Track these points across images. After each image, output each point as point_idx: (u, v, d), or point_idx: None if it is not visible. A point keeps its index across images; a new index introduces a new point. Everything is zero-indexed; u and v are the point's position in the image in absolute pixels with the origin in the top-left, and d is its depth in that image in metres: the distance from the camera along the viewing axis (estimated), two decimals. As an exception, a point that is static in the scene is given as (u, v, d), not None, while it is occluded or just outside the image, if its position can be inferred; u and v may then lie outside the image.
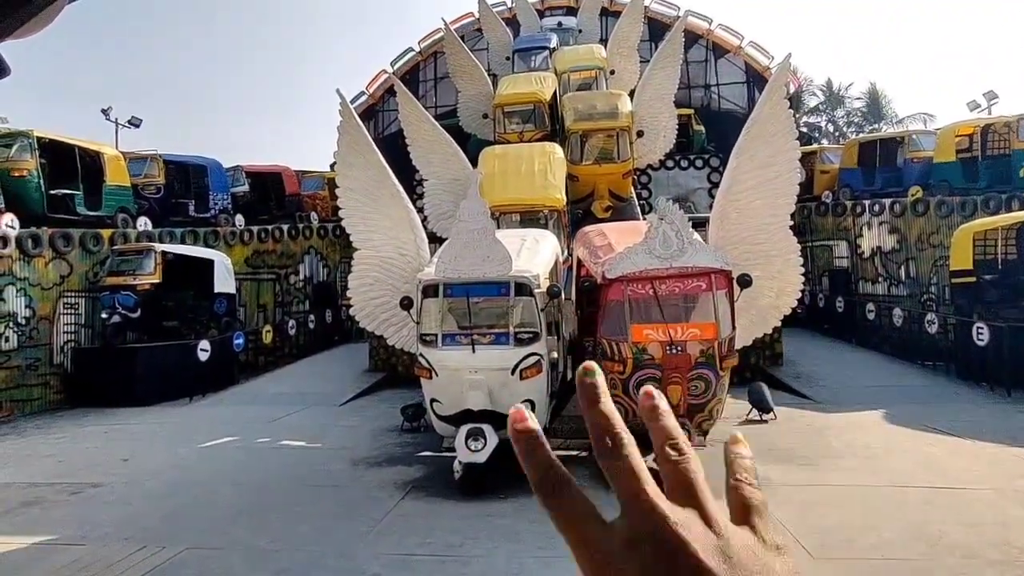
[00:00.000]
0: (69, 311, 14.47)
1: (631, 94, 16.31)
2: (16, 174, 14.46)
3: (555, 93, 17.30)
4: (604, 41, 21.32)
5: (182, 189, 19.11)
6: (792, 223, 8.61)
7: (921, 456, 8.27)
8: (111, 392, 13.49)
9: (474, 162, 13.71)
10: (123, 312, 14.14)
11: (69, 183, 15.37)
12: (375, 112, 25.52)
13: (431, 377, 7.64)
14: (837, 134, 39.14)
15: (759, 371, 13.61)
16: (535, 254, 8.54)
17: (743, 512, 0.48)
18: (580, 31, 23.01)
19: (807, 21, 68.81)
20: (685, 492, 0.48)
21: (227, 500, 7.39)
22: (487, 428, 7.29)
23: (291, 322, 18.36)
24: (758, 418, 10.60)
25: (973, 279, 13.88)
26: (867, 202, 19.01)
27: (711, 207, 10.35)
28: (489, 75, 19.98)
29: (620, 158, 14.77)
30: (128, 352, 14.12)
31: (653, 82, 15.79)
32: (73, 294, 14.58)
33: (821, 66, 78.24)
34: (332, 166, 17.63)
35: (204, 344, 14.06)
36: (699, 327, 7.25)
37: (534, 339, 7.53)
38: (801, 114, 35.41)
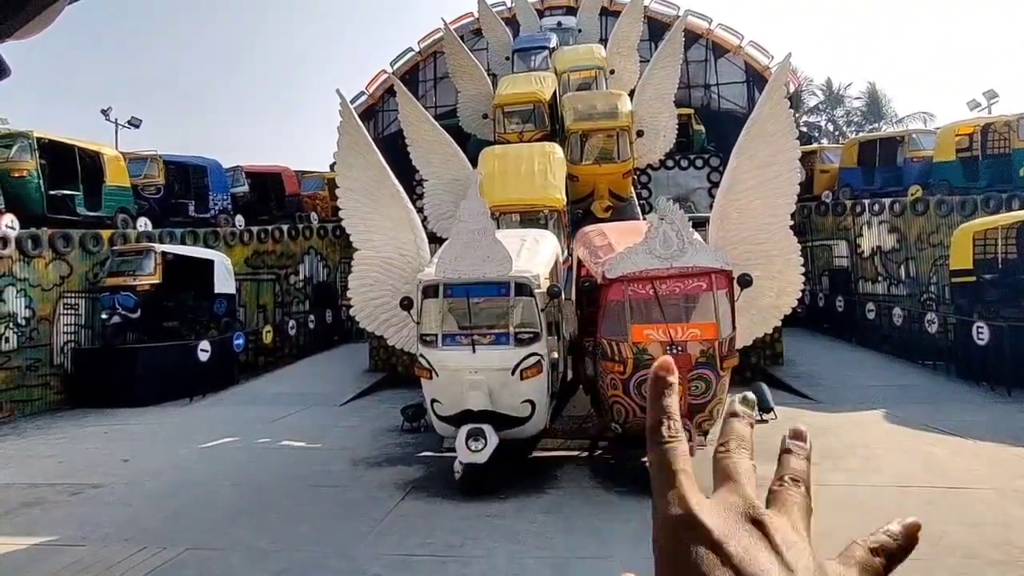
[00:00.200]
0: (69, 312, 14.47)
1: (631, 94, 16.31)
2: (16, 175, 14.46)
3: (555, 93, 17.30)
4: (604, 41, 21.31)
5: (182, 189, 19.11)
6: (792, 223, 8.60)
7: (922, 456, 8.27)
8: (111, 393, 13.49)
9: (474, 162, 13.70)
10: (123, 313, 14.14)
11: (69, 184, 15.36)
12: (375, 112, 25.51)
13: (431, 377, 7.63)
14: (837, 133, 39.13)
15: (759, 371, 13.62)
16: (535, 254, 8.54)
17: (780, 507, 0.51)
18: (580, 31, 23.00)
19: (806, 21, 68.84)
20: (725, 480, 0.53)
21: (227, 500, 7.39)
22: (487, 428, 7.28)
23: (291, 322, 18.36)
24: (758, 418, 10.55)
25: (973, 278, 13.88)
26: (867, 201, 19.01)
27: (711, 207, 10.35)
28: (489, 75, 19.97)
29: (620, 158, 14.76)
30: (128, 352, 14.12)
31: (653, 82, 15.79)
32: (73, 295, 14.58)
33: (821, 66, 78.30)
34: (332, 166, 17.63)
35: (204, 344, 14.05)
36: (699, 327, 7.24)
37: (534, 339, 7.53)
38: (801, 113, 35.41)
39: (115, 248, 15.15)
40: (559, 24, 23.24)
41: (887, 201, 18.47)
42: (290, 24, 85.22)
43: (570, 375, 9.33)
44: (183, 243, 16.81)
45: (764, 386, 11.13)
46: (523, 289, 7.60)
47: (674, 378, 0.53)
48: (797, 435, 0.54)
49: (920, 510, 6.34)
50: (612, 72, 18.77)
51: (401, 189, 9.52)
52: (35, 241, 13.86)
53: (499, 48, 21.76)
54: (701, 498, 0.49)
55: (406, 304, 7.89)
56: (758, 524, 0.47)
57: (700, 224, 9.20)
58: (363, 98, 25.11)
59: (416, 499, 7.27)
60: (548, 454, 8.93)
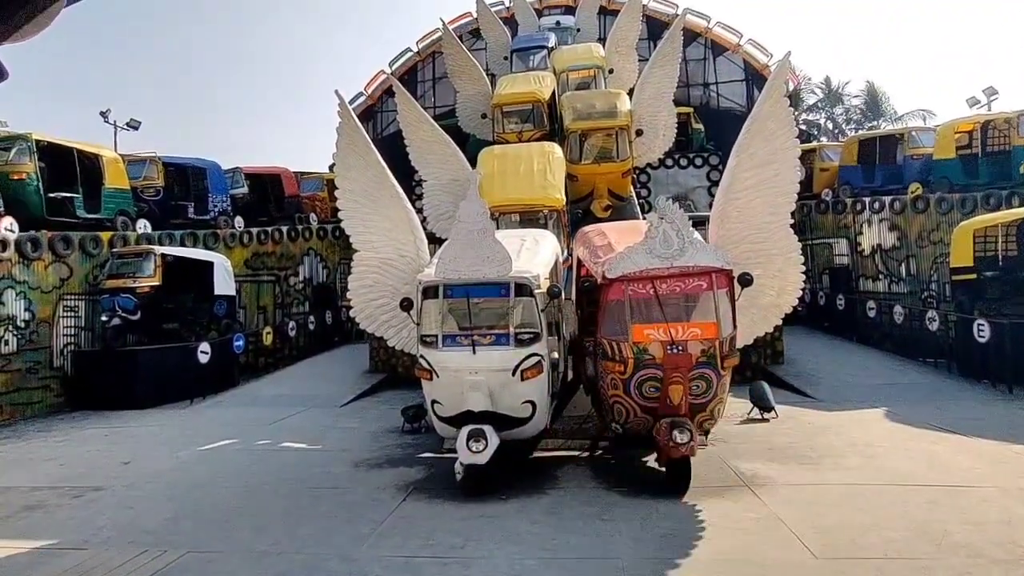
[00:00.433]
0: (69, 314, 14.47)
1: (630, 93, 16.30)
2: (15, 177, 14.45)
3: (554, 92, 17.29)
4: (602, 40, 21.32)
5: (181, 191, 19.10)
6: (792, 221, 8.59)
7: (923, 454, 8.26)
8: (111, 395, 13.48)
9: (473, 162, 13.69)
10: (123, 315, 14.13)
11: (68, 186, 15.35)
12: (374, 113, 25.52)
13: (431, 378, 7.62)
14: (836, 131, 39.11)
15: (760, 370, 13.61)
16: (535, 254, 8.52)
17: None
18: (578, 30, 23.00)
19: (805, 19, 68.81)
20: None
21: (228, 503, 7.38)
22: (488, 429, 7.26)
23: (291, 324, 18.35)
24: (759, 417, 10.59)
25: (974, 276, 13.87)
26: (867, 199, 19.01)
27: (711, 206, 10.33)
28: (487, 75, 19.97)
29: (619, 157, 14.75)
30: (128, 355, 14.11)
31: (652, 80, 15.78)
32: (73, 297, 14.57)
33: (819, 64, 78.30)
34: (331, 167, 17.66)
35: (204, 346, 14.05)
36: (700, 326, 7.22)
37: (534, 340, 7.51)
38: (800, 112, 35.39)
39: (115, 250, 15.14)
40: (557, 23, 23.24)
41: (887, 199, 18.47)
42: (288, 25, 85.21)
43: (570, 375, 9.32)
44: (183, 245, 16.81)
45: (765, 385, 11.13)
46: (523, 289, 7.59)
47: None
48: None
49: (923, 509, 6.33)
50: (611, 71, 18.77)
51: (400, 190, 9.51)
52: (35, 244, 13.86)
53: (498, 48, 21.76)
54: None
55: (406, 305, 7.87)
56: None
57: (700, 223, 9.19)
58: (362, 99, 25.14)
59: (417, 500, 7.26)
60: (549, 454, 8.92)
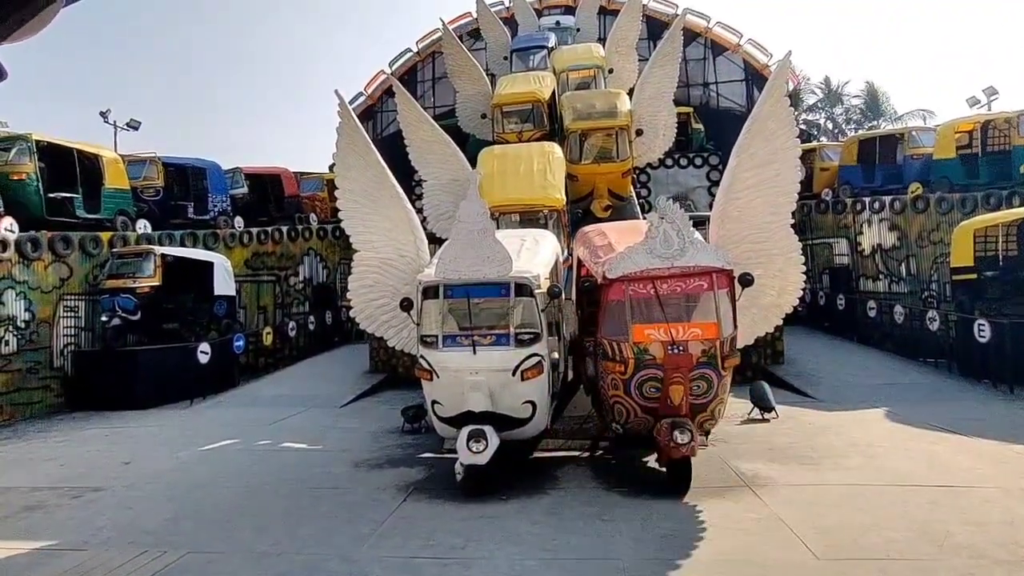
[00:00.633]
0: (69, 314, 14.46)
1: (630, 93, 16.30)
2: (15, 177, 14.45)
3: (554, 92, 17.28)
4: (602, 40, 21.31)
5: (181, 191, 19.10)
6: (793, 221, 8.58)
7: (924, 454, 8.25)
8: (111, 395, 13.47)
9: (473, 162, 13.68)
10: (123, 315, 14.12)
11: (68, 186, 15.35)
12: (374, 113, 25.52)
13: (432, 379, 7.61)
14: (836, 131, 39.11)
15: (760, 370, 13.60)
16: (535, 254, 8.51)
17: None
18: (578, 30, 23.00)
19: (805, 19, 68.80)
20: None
21: (228, 503, 7.37)
22: (488, 429, 7.25)
23: (291, 324, 18.34)
24: (760, 417, 10.58)
25: (974, 276, 13.86)
26: (867, 199, 19.01)
27: (711, 205, 10.33)
28: (487, 75, 19.96)
29: (619, 157, 14.74)
30: (128, 355, 14.10)
31: (652, 80, 15.77)
32: (73, 297, 14.57)
33: (819, 64, 78.28)
34: (331, 167, 17.64)
35: (204, 346, 14.04)
36: (701, 327, 7.21)
37: (535, 340, 7.50)
38: (800, 112, 35.40)
39: (115, 250, 15.13)
40: (557, 23, 23.23)
41: (887, 199, 18.46)
42: (289, 25, 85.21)
43: (570, 375, 9.31)
44: (183, 245, 16.81)
45: (765, 385, 11.12)
46: (523, 289, 7.58)
47: None
48: None
49: (924, 509, 6.32)
50: (611, 71, 18.76)
51: (400, 190, 9.50)
52: (34, 244, 13.85)
53: (497, 48, 21.75)
54: None
55: (406, 305, 7.86)
56: None
57: (700, 223, 9.18)
58: (362, 99, 25.14)
59: (417, 501, 7.25)
60: (549, 455, 8.91)
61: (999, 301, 13.22)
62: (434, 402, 7.79)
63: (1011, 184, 16.63)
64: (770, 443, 9.07)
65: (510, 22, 23.63)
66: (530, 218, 12.20)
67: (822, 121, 40.72)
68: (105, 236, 15.31)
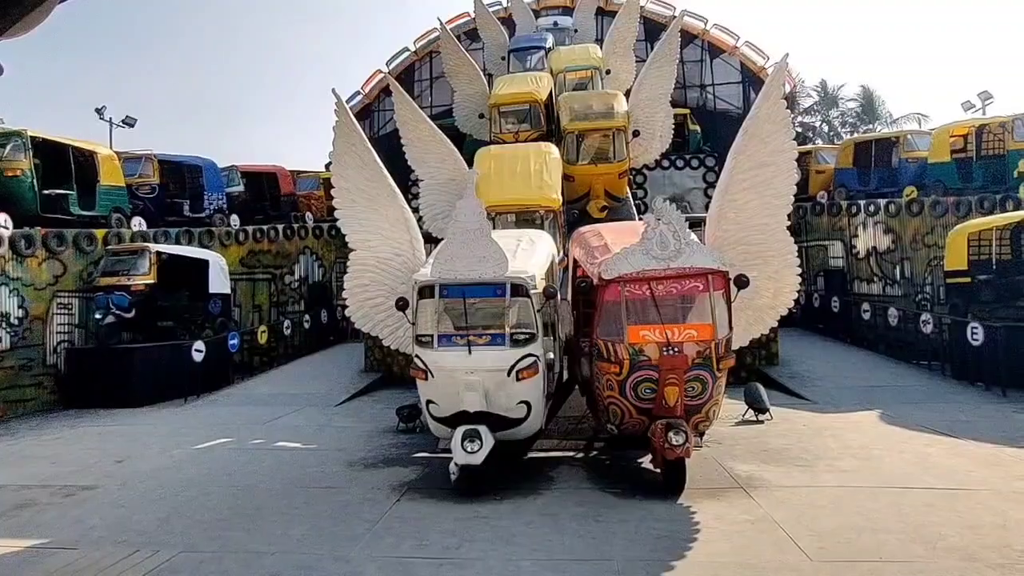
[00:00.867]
0: (63, 311, 14.40)
1: (627, 94, 16.32)
2: (9, 174, 14.40)
3: (551, 93, 17.30)
4: (600, 41, 21.34)
5: (177, 189, 19.05)
6: (788, 223, 8.60)
7: (918, 457, 8.27)
8: (105, 393, 13.42)
9: (470, 162, 13.68)
10: (117, 312, 14.06)
11: (63, 183, 15.30)
12: (371, 112, 25.50)
13: (427, 378, 7.60)
14: (832, 134, 39.25)
15: (755, 371, 13.63)
16: (531, 255, 8.51)
17: None
18: (576, 31, 23.02)
19: (801, 22, 69.01)
20: None
21: (221, 502, 7.34)
22: (483, 429, 7.25)
23: (286, 322, 18.31)
24: (754, 419, 10.60)
25: (968, 279, 13.91)
26: (862, 202, 19.07)
27: (707, 207, 10.34)
28: (485, 75, 19.96)
29: (616, 158, 14.76)
30: (122, 353, 14.05)
31: (649, 82, 15.79)
32: (67, 294, 14.51)
33: (816, 67, 78.50)
34: (327, 166, 17.57)
35: (199, 345, 13.99)
36: (696, 328, 7.21)
37: (530, 340, 7.50)
38: (796, 114, 35.51)
39: (109, 248, 15.08)
40: (555, 24, 23.26)
41: (882, 202, 18.54)
42: (286, 23, 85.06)
43: (566, 376, 9.31)
44: (178, 243, 16.75)
45: (760, 387, 11.14)
46: (519, 290, 7.58)
47: None
48: None
49: (917, 512, 6.34)
50: (608, 72, 18.79)
51: (397, 189, 9.49)
52: (28, 240, 13.79)
53: (495, 48, 21.77)
54: None
55: (402, 305, 7.85)
56: None
57: (696, 224, 9.19)
58: (359, 98, 25.12)
59: (412, 500, 7.24)
60: (544, 455, 8.91)
61: (992, 304, 13.28)
62: (429, 402, 7.78)
63: (1005, 188, 16.72)
64: (764, 445, 9.08)
65: (508, 22, 23.65)
66: (526, 218, 12.21)
67: (818, 124, 40.86)
68: (100, 233, 15.26)
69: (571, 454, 9.09)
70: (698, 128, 22.02)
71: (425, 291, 7.71)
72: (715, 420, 7.87)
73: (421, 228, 10.11)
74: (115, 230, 15.74)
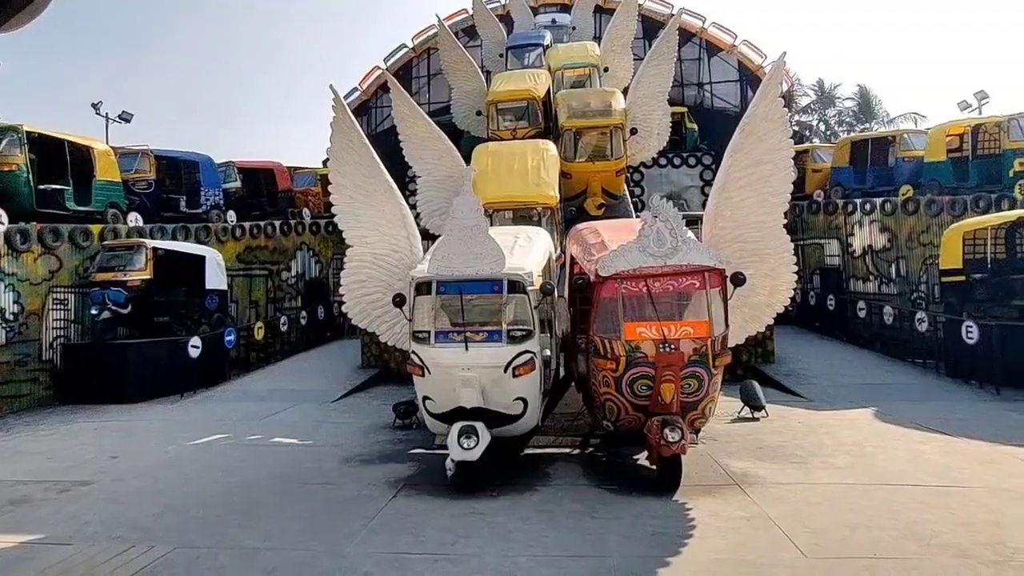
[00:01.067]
0: (58, 307, 14.36)
1: (625, 92, 16.32)
2: (5, 169, 14.34)
3: (549, 90, 17.29)
4: (598, 38, 21.34)
5: (173, 185, 19.00)
6: (785, 221, 8.61)
7: (912, 454, 8.31)
8: (101, 389, 13.39)
9: (467, 159, 13.67)
10: (113, 308, 14.03)
11: (58, 178, 15.23)
12: (368, 108, 25.46)
13: (423, 374, 7.60)
14: (828, 133, 39.32)
15: (751, 369, 13.67)
16: (528, 251, 8.52)
17: None
18: (574, 28, 23.02)
19: (799, 21, 69.05)
20: None
21: (217, 498, 7.34)
22: (479, 426, 7.26)
23: (283, 318, 18.28)
24: (750, 416, 10.63)
25: (963, 278, 13.97)
26: (858, 201, 19.13)
27: (704, 205, 10.36)
28: (483, 72, 19.94)
29: (613, 156, 14.77)
30: (118, 348, 14.02)
31: (647, 80, 15.81)
32: (62, 290, 14.47)
33: (813, 66, 78.58)
34: (325, 162, 17.58)
35: (195, 341, 13.97)
36: (692, 325, 7.23)
37: (527, 337, 7.51)
38: (793, 113, 35.57)
39: (105, 243, 15.04)
40: (553, 21, 23.26)
41: (878, 200, 18.59)
42: (284, 20, 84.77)
43: (562, 372, 9.32)
44: (174, 239, 16.71)
45: (756, 384, 11.17)
46: (516, 286, 7.58)
47: None
48: None
49: (911, 509, 6.37)
50: (606, 70, 18.80)
51: (394, 185, 9.48)
52: (24, 235, 13.74)
53: (493, 45, 21.75)
54: None
55: (399, 301, 7.85)
56: None
57: (693, 222, 9.21)
58: (356, 94, 25.09)
59: (408, 496, 7.25)
60: (540, 451, 8.92)
61: (987, 303, 13.33)
62: (425, 398, 7.78)
63: (1000, 187, 16.77)
64: (760, 442, 9.11)
65: (506, 19, 23.63)
66: (524, 215, 12.21)
67: (815, 123, 40.94)
68: (96, 229, 15.22)
69: (567, 451, 9.10)
70: (695, 126, 22.05)
71: (422, 287, 7.71)
72: (711, 417, 7.89)
73: (418, 225, 10.10)
74: (111, 226, 15.69)
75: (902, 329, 14.99)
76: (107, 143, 19.05)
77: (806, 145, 25.78)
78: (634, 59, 19.53)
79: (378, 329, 9.45)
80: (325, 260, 21.32)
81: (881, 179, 20.25)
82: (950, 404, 11.09)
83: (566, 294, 9.46)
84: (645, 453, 7.82)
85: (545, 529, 6.16)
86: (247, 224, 19.25)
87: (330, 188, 9.69)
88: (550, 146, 13.95)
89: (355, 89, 25.24)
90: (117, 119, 28.13)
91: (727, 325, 7.46)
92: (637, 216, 10.84)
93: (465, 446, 7.17)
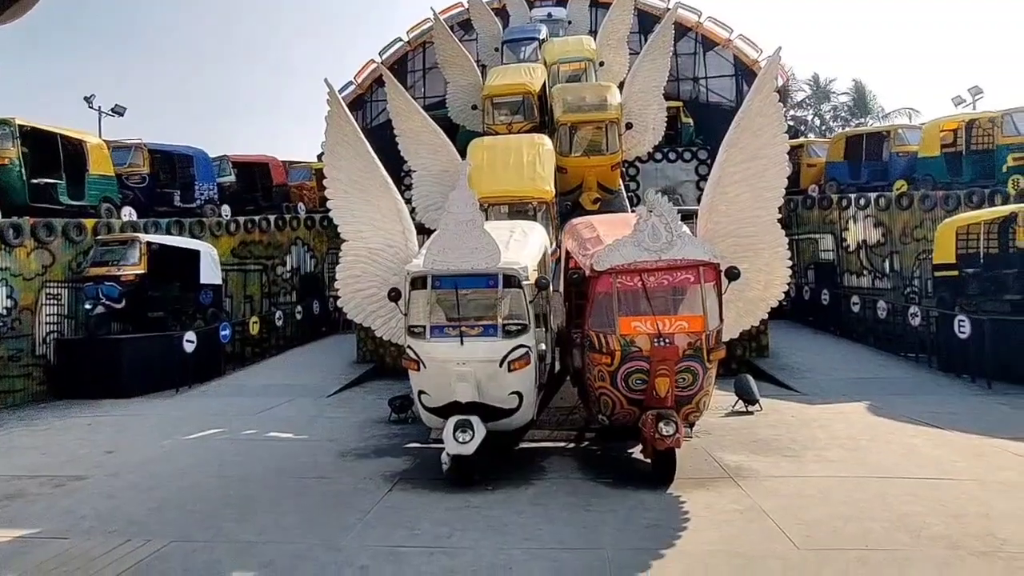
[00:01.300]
0: (52, 302, 14.31)
1: (620, 86, 16.31)
2: (-3, 162, 14.24)
3: (544, 84, 17.25)
4: (594, 33, 21.28)
5: (168, 179, 18.92)
6: (779, 216, 8.64)
7: (904, 447, 8.37)
8: (95, 384, 13.37)
9: (463, 153, 13.64)
10: (107, 303, 13.99)
11: (51, 172, 15.15)
12: (363, 102, 25.34)
13: (419, 369, 7.61)
14: (823, 128, 39.37)
15: (745, 363, 13.72)
16: (523, 246, 8.52)
17: None
18: (570, 22, 22.94)
19: (795, 16, 69.04)
20: None
21: (213, 492, 7.35)
22: (475, 420, 7.27)
23: (278, 313, 18.27)
24: (744, 409, 10.69)
25: (956, 272, 14.04)
26: (853, 196, 19.18)
27: (699, 200, 10.37)
28: (478, 66, 19.88)
29: (609, 150, 14.77)
30: (112, 343, 13.98)
31: (642, 74, 15.79)
32: (56, 284, 14.41)
33: (808, 61, 78.59)
34: (320, 156, 17.54)
35: (190, 335, 13.94)
36: (687, 319, 7.26)
37: (522, 331, 7.52)
38: (788, 108, 35.60)
39: (99, 238, 14.97)
40: (549, 15, 23.18)
41: (872, 195, 18.66)
42: (278, 13, 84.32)
43: (557, 367, 9.35)
44: (168, 233, 16.66)
45: (750, 378, 11.22)
46: (511, 281, 7.59)
47: None
48: None
49: (903, 501, 6.43)
50: (602, 64, 18.76)
51: (389, 180, 9.46)
52: (17, 230, 13.68)
53: (489, 39, 21.68)
54: None
55: (394, 295, 7.85)
56: None
57: (688, 217, 9.21)
58: (351, 88, 24.96)
59: (403, 490, 7.27)
60: (535, 445, 8.96)
61: (979, 298, 13.42)
62: (421, 392, 7.79)
63: (994, 183, 16.84)
64: (753, 435, 9.16)
65: (501, 13, 23.54)
66: (519, 210, 12.20)
67: (810, 117, 41.01)
68: (89, 223, 15.15)
69: (562, 444, 9.14)
70: (691, 121, 22.04)
71: (417, 282, 7.72)
72: (705, 411, 7.92)
73: (414, 219, 10.10)
74: (105, 220, 15.62)
75: (895, 323, 15.07)
76: (100, 137, 18.94)
77: (801, 140, 25.80)
78: (630, 54, 19.47)
79: (373, 324, 9.46)
80: (320, 255, 21.28)
81: (875, 174, 20.31)
82: (942, 398, 11.17)
83: (561, 288, 9.47)
84: (640, 447, 7.85)
85: (540, 522, 6.19)
86: (242, 219, 19.20)
87: (325, 183, 9.67)
88: (545, 140, 13.93)
89: (350, 83, 25.11)
90: (110, 113, 27.90)
91: (721, 319, 7.49)
92: (632, 211, 10.88)
93: (460, 440, 7.19)
